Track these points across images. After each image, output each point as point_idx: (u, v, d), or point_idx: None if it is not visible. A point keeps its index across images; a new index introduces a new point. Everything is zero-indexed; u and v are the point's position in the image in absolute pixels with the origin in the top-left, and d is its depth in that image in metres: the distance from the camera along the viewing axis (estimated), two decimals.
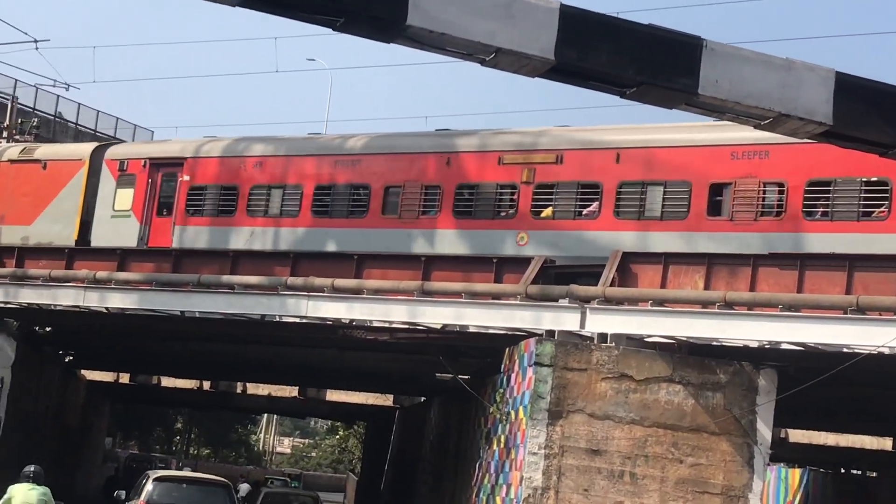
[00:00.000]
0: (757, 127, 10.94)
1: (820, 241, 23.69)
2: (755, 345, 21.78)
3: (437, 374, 27.43)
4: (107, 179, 33.03)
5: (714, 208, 25.02)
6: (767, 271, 23.12)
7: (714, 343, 22.11)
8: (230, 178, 31.24)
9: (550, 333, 22.77)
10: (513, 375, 23.69)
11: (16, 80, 53.44)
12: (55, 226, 33.43)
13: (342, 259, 28.01)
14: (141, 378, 54.39)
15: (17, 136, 45.12)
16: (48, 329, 33.39)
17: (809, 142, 23.70)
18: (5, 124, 46.15)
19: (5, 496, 19.39)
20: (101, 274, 29.38)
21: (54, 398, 38.28)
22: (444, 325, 25.54)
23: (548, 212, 27.05)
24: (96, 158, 33.56)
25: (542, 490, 21.54)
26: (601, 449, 21.69)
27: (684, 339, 22.16)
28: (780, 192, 24.45)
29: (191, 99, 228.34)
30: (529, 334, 23.22)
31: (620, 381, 21.80)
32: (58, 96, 59.24)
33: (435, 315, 25.30)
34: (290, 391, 54.68)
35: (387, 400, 52.29)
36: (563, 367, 21.86)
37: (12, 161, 34.77)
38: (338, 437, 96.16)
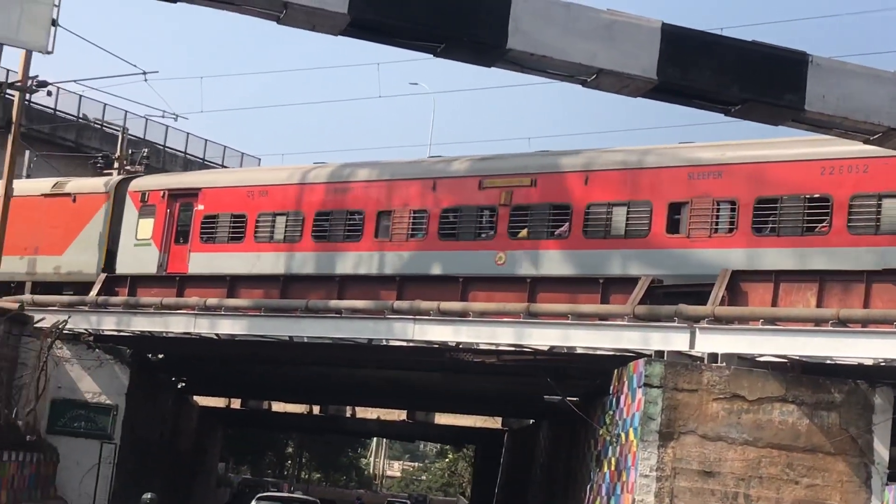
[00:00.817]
0: (865, 142, 10.73)
1: (768, 255, 24.28)
2: (870, 362, 21.32)
3: (546, 396, 27.28)
4: (130, 210, 34.38)
5: (673, 226, 25.61)
6: (881, 287, 22.61)
7: (828, 361, 21.68)
8: (240, 207, 32.24)
9: (659, 354, 22.55)
10: (622, 397, 23.49)
11: (126, 112, 54.50)
12: (83, 255, 34.55)
13: (448, 282, 28.03)
14: (252, 403, 54.99)
15: (127, 167, 45.97)
16: (161, 356, 33.91)
17: (758, 161, 24.59)
18: (116, 155, 47.04)
19: None
20: (211, 301, 29.79)
21: (168, 424, 38.80)
22: (552, 347, 25.42)
23: (523, 233, 27.63)
24: (121, 191, 34.93)
25: None
26: (714, 471, 21.39)
27: (797, 357, 21.77)
28: (732, 210, 25.01)
29: (297, 126, 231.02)
30: (638, 355, 23.02)
31: (732, 401, 21.49)
32: (167, 126, 60.29)
33: (542, 337, 25.20)
34: (399, 415, 54.85)
35: (496, 423, 52.18)
36: (674, 388, 21.62)
37: (45, 195, 36.03)
38: (447, 460, 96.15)
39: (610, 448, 24.18)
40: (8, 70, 36.85)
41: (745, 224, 24.71)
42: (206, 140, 63.81)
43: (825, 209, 23.78)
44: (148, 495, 25.27)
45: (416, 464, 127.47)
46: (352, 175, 30.72)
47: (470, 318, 26.01)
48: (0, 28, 24.58)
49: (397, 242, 29.20)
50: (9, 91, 32.73)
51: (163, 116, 47.81)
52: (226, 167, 60.63)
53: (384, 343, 27.88)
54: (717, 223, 25.18)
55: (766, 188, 24.59)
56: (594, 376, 26.08)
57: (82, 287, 33.68)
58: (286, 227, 31.07)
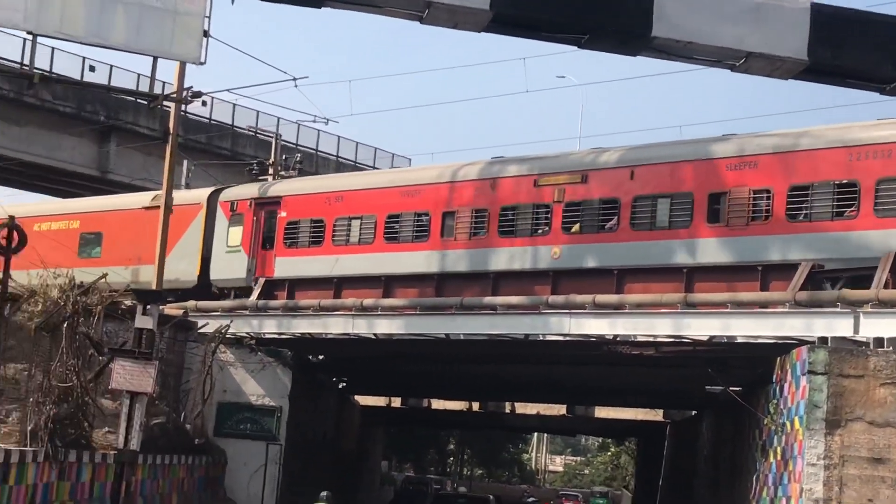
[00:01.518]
0: None
1: (801, 241, 25.05)
2: None
3: (707, 387, 26.93)
4: (221, 219, 36.16)
5: (713, 216, 26.43)
6: None
7: None
8: (319, 213, 33.65)
9: (823, 340, 22.06)
10: (786, 385, 23.05)
11: (278, 118, 55.42)
12: (181, 263, 36.00)
13: (602, 275, 27.85)
14: (412, 401, 55.38)
15: (282, 172, 46.71)
16: (321, 357, 34.40)
17: (792, 150, 24.71)
18: (270, 161, 47.83)
19: None
20: (368, 301, 30.12)
21: (331, 425, 39.34)
22: (711, 337, 25.07)
23: (576, 227, 28.57)
24: (212, 201, 36.75)
25: (824, 501, 20.81)
26: (884, 457, 20.81)
27: None
28: (768, 199, 25.70)
29: (446, 124, 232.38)
30: (801, 342, 22.56)
31: None
32: (318, 131, 61.16)
33: (700, 327, 24.88)
34: (559, 409, 54.70)
35: (657, 415, 51.66)
36: (839, 375, 21.10)
37: (146, 208, 37.82)
38: (609, 453, 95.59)
39: (775, 437, 23.75)
40: (164, 82, 37.76)
41: None
42: (356, 143, 64.53)
43: None
44: (324, 493, 26.39)
45: (579, 458, 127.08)
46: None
47: (626, 311, 25.81)
48: (154, 42, 25.19)
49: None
50: (165, 103, 33.53)
51: (314, 121, 48.47)
52: (377, 168, 61.15)
53: (540, 338, 27.84)
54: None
55: None
56: (756, 365, 25.62)
57: (181, 294, 34.86)
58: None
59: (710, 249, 26.65)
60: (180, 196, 38.31)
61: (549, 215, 29.06)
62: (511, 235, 29.63)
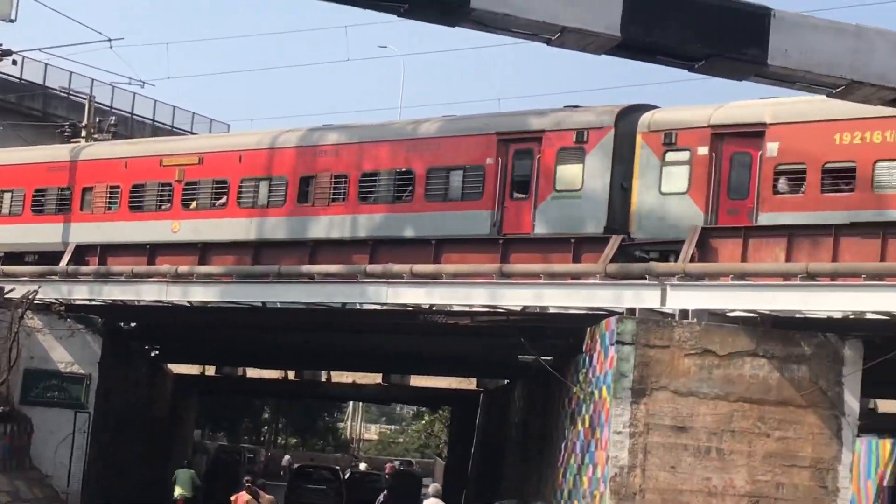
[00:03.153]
0: (829, 95, 10.75)
1: (372, 220, 28.85)
2: (839, 315, 21.49)
3: (520, 357, 27.38)
4: None
5: (303, 197, 29.94)
6: (849, 241, 22.81)
7: (797, 315, 21.83)
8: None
9: (631, 311, 22.63)
10: (595, 355, 23.60)
11: (92, 80, 54.08)
12: None
13: (420, 245, 28.07)
14: (226, 370, 54.88)
15: (95, 135, 45.69)
16: (133, 325, 33.81)
17: (369, 141, 29.02)
18: (83, 123, 46.74)
19: (174, 476, 30.76)
20: (183, 268, 29.74)
21: (142, 393, 38.73)
22: (524, 307, 25.49)
23: (193, 204, 31.97)
24: None
25: (629, 468, 21.46)
26: (686, 426, 21.54)
27: (767, 312, 21.90)
28: (346, 183, 29.32)
29: (266, 91, 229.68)
30: (610, 313, 23.10)
31: (703, 356, 21.61)
32: (134, 94, 59.89)
33: (514, 297, 25.28)
34: (374, 378, 54.83)
35: (471, 384, 52.25)
36: (645, 345, 21.73)
37: None
38: (423, 422, 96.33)
39: (584, 406, 24.30)
40: None
41: None
42: (174, 107, 63.42)
43: None
44: (185, 461, 28.66)
45: (394, 426, 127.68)
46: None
47: (443, 281, 26.05)
48: None
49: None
50: None
51: (129, 84, 47.53)
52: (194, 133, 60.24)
53: (358, 307, 27.92)
54: None
55: None
56: (567, 335, 26.15)
57: None
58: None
59: None
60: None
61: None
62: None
